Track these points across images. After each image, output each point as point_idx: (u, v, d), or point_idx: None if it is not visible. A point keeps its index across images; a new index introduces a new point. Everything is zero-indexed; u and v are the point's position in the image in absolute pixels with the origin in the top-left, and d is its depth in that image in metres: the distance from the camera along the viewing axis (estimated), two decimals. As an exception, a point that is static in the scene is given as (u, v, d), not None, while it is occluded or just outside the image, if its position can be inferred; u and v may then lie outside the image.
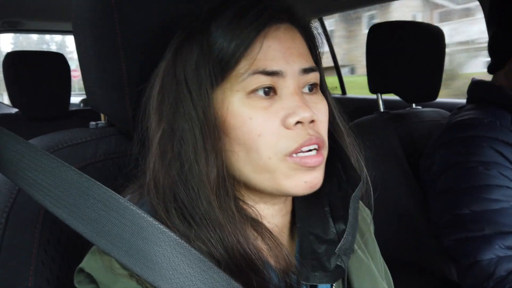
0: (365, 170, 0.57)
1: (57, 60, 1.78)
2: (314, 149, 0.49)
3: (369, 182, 0.58)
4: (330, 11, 2.12)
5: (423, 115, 1.31)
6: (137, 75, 0.58)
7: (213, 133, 0.47)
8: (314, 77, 0.52)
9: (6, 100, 3.10)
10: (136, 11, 0.58)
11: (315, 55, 0.56)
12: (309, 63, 0.51)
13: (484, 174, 0.90)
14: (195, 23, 0.50)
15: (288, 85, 0.49)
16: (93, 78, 0.62)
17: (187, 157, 0.47)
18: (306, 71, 0.50)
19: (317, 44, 0.56)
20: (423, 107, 1.37)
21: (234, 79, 0.48)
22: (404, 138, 1.20)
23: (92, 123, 0.68)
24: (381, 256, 0.67)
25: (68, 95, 1.80)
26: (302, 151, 0.48)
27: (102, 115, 0.70)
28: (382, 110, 1.30)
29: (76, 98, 3.33)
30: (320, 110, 0.51)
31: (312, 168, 0.48)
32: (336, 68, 2.37)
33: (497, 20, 1.03)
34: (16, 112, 1.83)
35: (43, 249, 0.55)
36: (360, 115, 1.27)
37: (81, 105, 3.35)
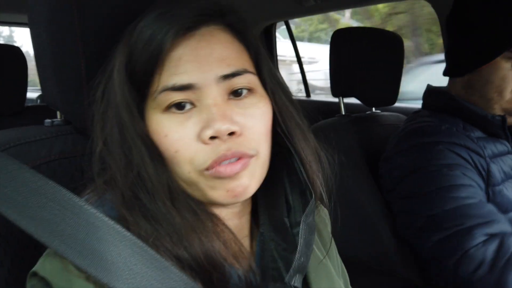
0: (325, 172, 0.56)
1: (13, 53, 1.69)
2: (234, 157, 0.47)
3: (330, 184, 0.57)
4: (296, 14, 2.15)
5: (382, 118, 1.36)
6: (96, 72, 0.57)
7: (152, 145, 0.47)
8: (242, 81, 0.48)
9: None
10: (97, 6, 0.57)
11: (257, 56, 0.52)
12: (234, 67, 0.47)
13: (449, 175, 0.94)
14: (124, 35, 0.49)
15: (206, 96, 0.46)
16: (49, 75, 0.60)
17: (137, 164, 0.47)
18: (227, 77, 0.47)
19: (255, 44, 0.52)
20: (382, 111, 1.42)
21: (150, 98, 0.47)
22: (364, 140, 1.23)
23: (47, 120, 0.66)
24: (338, 255, 0.69)
25: (24, 90, 1.72)
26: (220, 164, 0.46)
27: (58, 113, 0.67)
28: (343, 113, 1.34)
29: (33, 94, 3.19)
30: (251, 116, 0.48)
31: (231, 177, 0.47)
32: (301, 69, 2.40)
33: (458, 30, 1.06)
34: (-33, 107, 1.73)
35: None
36: (323, 118, 1.30)
37: (38, 101, 3.21)
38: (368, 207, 1.11)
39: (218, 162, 0.46)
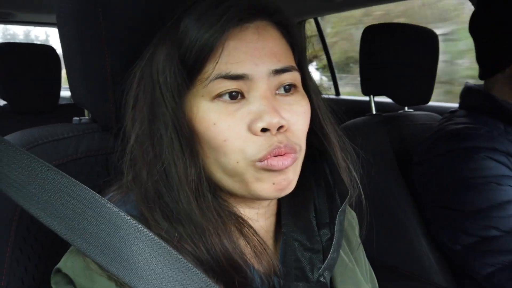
0: (354, 173, 0.56)
1: (48, 53, 1.75)
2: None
3: (360, 187, 0.56)
4: (325, 11, 2.11)
5: (415, 118, 1.31)
6: (121, 71, 0.57)
7: (188, 136, 0.47)
8: (290, 77, 0.49)
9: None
10: (120, 5, 0.57)
11: (299, 54, 0.54)
12: (283, 63, 0.49)
13: (499, 190, 0.89)
14: (170, 23, 0.49)
15: (257, 88, 0.47)
16: (76, 74, 0.60)
17: (166, 158, 0.46)
18: (278, 72, 0.48)
19: (300, 42, 0.53)
20: (415, 110, 1.37)
21: (199, 84, 0.47)
22: (395, 141, 1.19)
23: (75, 118, 0.67)
24: (366, 259, 0.66)
25: (57, 89, 1.77)
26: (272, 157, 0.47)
27: (86, 111, 0.68)
28: (374, 112, 1.30)
29: (67, 92, 3.29)
30: (296, 113, 0.49)
31: (280, 170, 0.47)
32: (330, 68, 2.36)
33: (483, 29, 1.02)
34: (5, 105, 1.80)
35: (18, 247, 0.53)
36: (353, 117, 1.26)
37: (72, 99, 3.30)
38: (399, 210, 1.07)
39: (272, 154, 0.46)
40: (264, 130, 0.46)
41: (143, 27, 0.55)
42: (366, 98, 1.32)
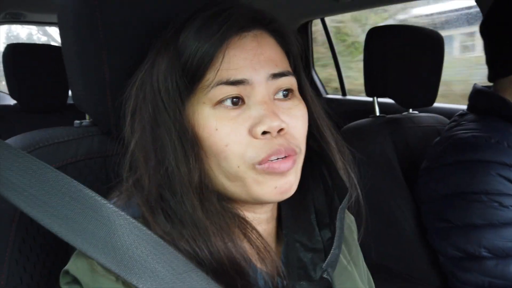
0: (353, 175, 0.57)
1: (57, 53, 1.77)
2: (284, 156, 0.48)
3: (358, 189, 0.57)
4: (332, 12, 2.11)
5: (419, 120, 1.30)
6: (120, 76, 0.58)
7: (190, 142, 0.48)
8: (287, 82, 0.51)
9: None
10: (119, 11, 0.58)
11: (295, 61, 0.55)
12: (280, 68, 0.50)
13: (501, 210, 0.88)
14: (170, 32, 0.50)
15: (256, 93, 0.48)
16: (76, 78, 0.61)
17: (169, 163, 0.47)
18: (276, 76, 0.49)
19: (295, 49, 0.55)
20: (419, 112, 1.36)
21: (200, 91, 0.48)
22: (398, 143, 1.19)
23: (77, 121, 0.68)
24: (364, 263, 0.67)
25: (66, 88, 1.80)
26: (270, 160, 0.48)
27: (86, 114, 0.70)
28: (377, 114, 1.30)
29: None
30: (294, 116, 0.50)
31: (281, 173, 0.48)
32: (337, 69, 2.35)
33: (496, 30, 1.01)
34: (15, 104, 1.84)
35: (17, 248, 0.54)
36: (358, 118, 1.26)
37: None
38: (399, 213, 1.07)
39: (272, 155, 0.47)
40: (264, 133, 0.47)
41: (142, 35, 0.56)
42: (370, 99, 1.32)
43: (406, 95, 1.23)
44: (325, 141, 0.55)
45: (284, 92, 0.51)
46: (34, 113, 1.73)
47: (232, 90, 0.48)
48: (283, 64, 0.51)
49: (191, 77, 0.48)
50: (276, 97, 0.50)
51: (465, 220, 0.91)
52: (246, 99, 0.48)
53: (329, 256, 0.51)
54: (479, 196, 0.89)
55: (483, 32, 1.04)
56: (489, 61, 1.04)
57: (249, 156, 0.47)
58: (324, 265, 0.51)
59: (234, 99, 0.48)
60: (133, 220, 0.43)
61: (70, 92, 1.89)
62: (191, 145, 0.47)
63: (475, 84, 1.10)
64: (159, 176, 0.47)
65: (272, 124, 0.46)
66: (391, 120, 1.24)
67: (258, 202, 0.51)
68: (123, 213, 0.43)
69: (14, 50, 1.70)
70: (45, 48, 1.81)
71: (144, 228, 0.43)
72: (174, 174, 0.47)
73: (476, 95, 1.07)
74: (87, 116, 0.70)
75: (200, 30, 0.48)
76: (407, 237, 1.04)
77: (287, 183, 0.49)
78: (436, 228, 0.98)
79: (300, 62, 0.56)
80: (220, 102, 0.48)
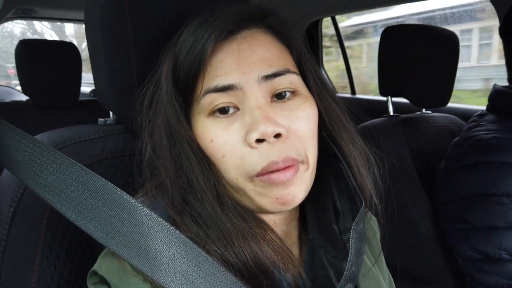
0: (374, 177, 0.55)
1: (69, 49, 1.78)
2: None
3: (372, 190, 0.55)
4: (343, 10, 2.10)
5: (433, 120, 1.30)
6: (147, 74, 0.58)
7: (197, 151, 0.47)
8: (285, 81, 0.47)
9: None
10: (149, 9, 0.58)
11: (299, 56, 0.51)
12: (275, 67, 0.47)
13: None
14: (172, 40, 0.50)
15: (249, 98, 0.46)
16: (102, 75, 0.62)
17: (187, 170, 0.47)
18: (269, 77, 0.46)
19: (298, 44, 0.51)
20: (432, 112, 1.36)
21: (194, 102, 0.48)
22: (413, 143, 1.18)
23: (101, 120, 0.68)
24: (385, 264, 0.67)
25: (78, 85, 1.80)
26: (269, 171, 0.45)
27: (111, 112, 0.70)
28: (391, 113, 1.29)
29: (86, 88, 3.34)
30: (297, 118, 0.47)
31: (282, 183, 0.46)
32: (347, 68, 2.34)
33: None
34: (27, 100, 1.85)
35: (48, 245, 0.55)
36: (370, 118, 1.26)
37: (91, 95, 3.36)
38: (415, 214, 1.07)
39: (269, 169, 0.45)
40: (260, 141, 0.45)
41: (171, 30, 0.56)
42: (382, 98, 1.32)
43: (421, 94, 1.22)
44: (339, 142, 0.52)
45: (283, 92, 0.48)
46: (47, 109, 1.73)
47: (221, 98, 0.46)
48: (279, 63, 0.48)
49: (185, 89, 0.48)
50: (276, 98, 0.47)
51: (485, 222, 0.91)
52: (239, 105, 0.46)
53: (344, 274, 0.49)
54: (500, 198, 0.89)
55: (503, 33, 1.04)
56: (509, 62, 1.03)
57: (246, 168, 0.45)
58: (342, 280, 0.49)
59: (225, 108, 0.46)
60: (165, 223, 0.43)
61: (81, 89, 1.88)
62: (200, 154, 0.47)
63: (495, 84, 1.08)
64: (180, 182, 0.47)
65: (265, 130, 0.43)
66: (405, 120, 1.24)
67: (263, 212, 0.50)
68: (155, 216, 0.43)
69: (27, 45, 1.70)
70: (58, 44, 1.81)
71: (176, 231, 0.43)
72: (193, 180, 0.47)
73: (497, 96, 1.06)
74: (111, 114, 0.70)
75: (190, 37, 0.47)
76: (423, 238, 1.04)
77: (289, 194, 0.46)
78: (455, 229, 0.98)
79: (305, 57, 0.52)
80: (213, 112, 0.46)
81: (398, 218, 1.10)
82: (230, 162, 0.46)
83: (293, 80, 0.48)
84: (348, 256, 0.50)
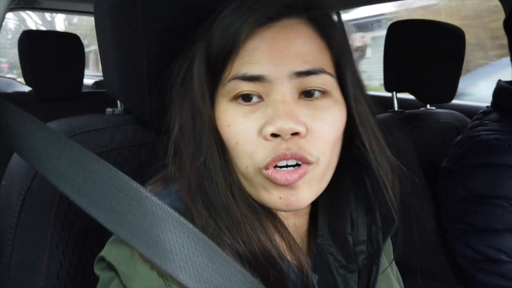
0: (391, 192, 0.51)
1: (72, 41, 1.77)
2: (295, 164, 0.44)
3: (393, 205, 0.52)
4: (350, 5, 2.08)
5: (438, 116, 1.30)
6: (157, 64, 0.58)
7: (217, 133, 0.47)
8: (317, 81, 0.45)
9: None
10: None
11: (338, 56, 0.48)
12: (310, 64, 0.45)
13: None
14: (210, 19, 0.49)
15: (275, 91, 0.44)
16: (111, 65, 0.61)
17: (205, 152, 0.47)
18: (302, 74, 0.44)
19: (338, 41, 0.48)
20: (437, 108, 1.36)
21: (220, 84, 0.47)
22: (418, 138, 1.18)
23: (109, 109, 0.68)
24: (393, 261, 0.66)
25: (81, 76, 1.80)
26: (277, 166, 0.44)
27: (118, 102, 0.70)
28: (396, 109, 1.29)
29: (89, 80, 3.33)
30: (321, 119, 0.45)
31: (287, 185, 0.44)
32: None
33: None
34: (29, 91, 1.84)
35: (57, 233, 0.55)
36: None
37: (94, 87, 3.35)
38: (420, 210, 1.07)
39: (277, 160, 0.44)
40: (274, 135, 0.43)
41: (182, 21, 0.56)
42: (386, 94, 1.32)
43: (426, 90, 1.22)
44: (369, 151, 0.49)
45: (312, 91, 0.45)
46: (49, 101, 1.73)
47: (247, 86, 0.45)
48: (315, 60, 0.45)
49: (214, 70, 0.47)
50: (305, 96, 0.46)
51: (485, 224, 0.91)
52: (264, 96, 0.45)
53: None
54: (500, 201, 0.89)
55: (507, 29, 1.02)
56: None
57: (257, 158, 0.45)
58: None
59: (249, 96, 0.45)
60: (175, 213, 0.43)
61: (84, 81, 1.87)
62: (219, 137, 0.47)
63: (499, 80, 1.07)
64: (198, 163, 0.46)
65: (283, 126, 0.42)
66: (410, 115, 1.24)
67: (268, 207, 0.49)
68: (165, 206, 0.43)
69: (29, 36, 1.70)
70: (61, 35, 1.80)
71: (186, 222, 0.43)
72: (210, 163, 0.46)
73: (500, 92, 1.04)
74: (119, 104, 0.70)
75: (227, 18, 0.45)
76: (428, 234, 1.04)
77: (293, 195, 0.45)
78: (456, 229, 0.98)
79: (346, 58, 0.49)
80: (236, 97, 0.46)
81: (403, 214, 1.10)
82: (242, 150, 0.45)
83: (327, 81, 0.46)
84: (358, 270, 0.51)
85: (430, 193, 1.10)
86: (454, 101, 1.33)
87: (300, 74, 0.44)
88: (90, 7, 0.70)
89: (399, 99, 1.30)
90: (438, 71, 1.20)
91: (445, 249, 1.04)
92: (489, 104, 1.10)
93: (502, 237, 0.88)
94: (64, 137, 0.45)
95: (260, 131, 0.44)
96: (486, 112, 1.07)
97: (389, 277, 0.59)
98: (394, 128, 1.18)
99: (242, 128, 0.45)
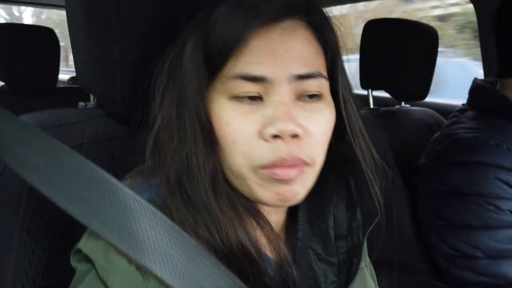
0: (377, 190, 0.53)
1: (47, 35, 1.74)
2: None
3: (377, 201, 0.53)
4: (339, 1, 2.06)
5: (412, 113, 1.33)
6: (130, 57, 0.57)
7: (206, 129, 0.46)
8: (314, 85, 0.46)
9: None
10: None
11: (333, 59, 0.50)
12: (309, 68, 0.46)
13: (497, 214, 0.88)
14: (204, 10, 0.48)
15: (276, 92, 0.45)
16: (83, 58, 0.61)
17: (188, 147, 0.46)
18: (301, 77, 0.45)
19: (334, 45, 0.49)
20: (411, 105, 1.39)
21: (219, 80, 0.46)
22: (393, 135, 1.20)
23: (81, 103, 0.67)
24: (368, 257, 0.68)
25: (56, 71, 1.76)
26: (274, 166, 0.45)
27: (91, 96, 0.69)
28: (371, 106, 1.31)
29: (64, 76, 3.26)
30: (316, 121, 0.46)
31: (284, 180, 0.45)
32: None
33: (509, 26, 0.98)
34: (2, 86, 1.79)
35: (25, 229, 0.54)
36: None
37: (69, 82, 3.29)
38: (394, 206, 1.09)
39: (278, 164, 0.44)
40: (275, 137, 0.44)
41: (155, 14, 0.55)
42: (363, 92, 1.34)
43: (401, 88, 1.24)
44: (356, 151, 0.51)
45: (311, 94, 0.47)
46: (23, 95, 1.69)
47: (250, 87, 0.45)
48: (313, 64, 0.46)
49: (212, 63, 0.46)
50: (301, 98, 0.46)
51: (461, 220, 0.92)
52: (264, 96, 0.45)
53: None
54: (476, 198, 0.90)
55: (494, 27, 1.01)
56: (499, 58, 1.01)
57: (254, 158, 0.45)
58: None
59: (252, 97, 0.45)
60: (149, 205, 0.42)
61: (59, 76, 1.84)
62: (208, 133, 0.46)
63: (475, 78, 1.07)
64: (179, 159, 0.46)
65: (285, 128, 0.43)
66: (385, 113, 1.26)
67: (260, 203, 0.49)
68: (138, 197, 0.42)
69: (3, 30, 1.65)
70: (35, 29, 1.76)
71: (159, 213, 0.42)
72: (192, 159, 0.46)
73: (477, 91, 1.05)
74: (91, 98, 0.69)
75: (229, 13, 0.45)
76: (404, 231, 1.06)
77: (290, 191, 0.46)
78: (432, 225, 0.99)
79: (339, 61, 0.50)
80: (236, 96, 0.45)
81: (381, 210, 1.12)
82: (238, 149, 0.45)
83: (322, 85, 0.47)
84: (338, 263, 0.52)
85: (405, 189, 1.12)
86: (427, 99, 1.37)
87: (300, 77, 0.45)
88: (61, 1, 0.69)
89: (374, 97, 1.32)
90: (413, 69, 1.23)
91: (420, 244, 1.06)
92: (464, 102, 1.11)
93: (478, 234, 0.89)
94: (33, 127, 0.44)
95: (260, 132, 0.45)
96: (462, 110, 1.08)
97: (365, 275, 0.60)
98: (369, 125, 1.19)
99: (240, 127, 0.45)
